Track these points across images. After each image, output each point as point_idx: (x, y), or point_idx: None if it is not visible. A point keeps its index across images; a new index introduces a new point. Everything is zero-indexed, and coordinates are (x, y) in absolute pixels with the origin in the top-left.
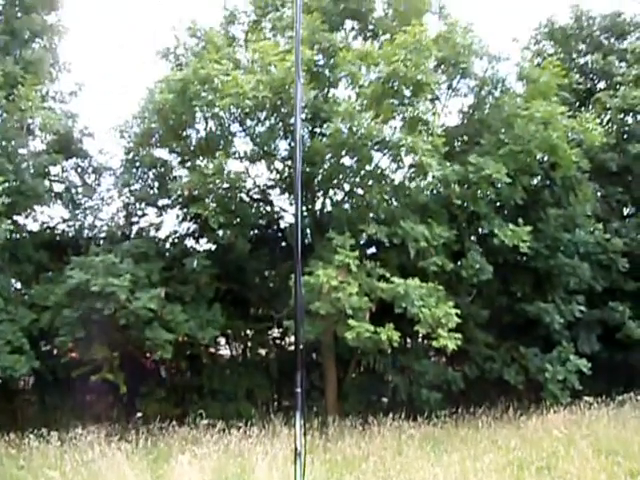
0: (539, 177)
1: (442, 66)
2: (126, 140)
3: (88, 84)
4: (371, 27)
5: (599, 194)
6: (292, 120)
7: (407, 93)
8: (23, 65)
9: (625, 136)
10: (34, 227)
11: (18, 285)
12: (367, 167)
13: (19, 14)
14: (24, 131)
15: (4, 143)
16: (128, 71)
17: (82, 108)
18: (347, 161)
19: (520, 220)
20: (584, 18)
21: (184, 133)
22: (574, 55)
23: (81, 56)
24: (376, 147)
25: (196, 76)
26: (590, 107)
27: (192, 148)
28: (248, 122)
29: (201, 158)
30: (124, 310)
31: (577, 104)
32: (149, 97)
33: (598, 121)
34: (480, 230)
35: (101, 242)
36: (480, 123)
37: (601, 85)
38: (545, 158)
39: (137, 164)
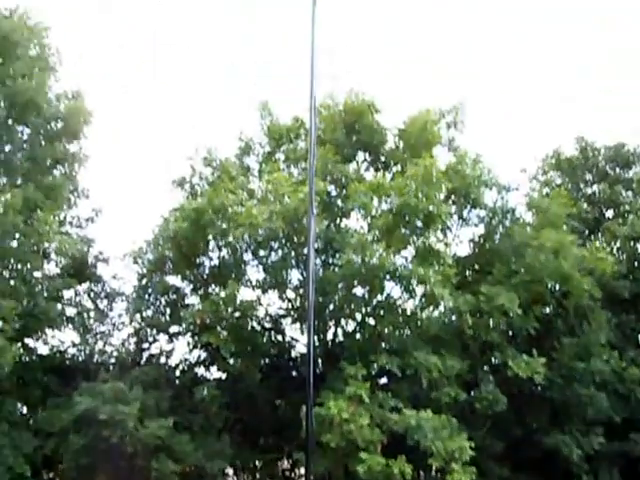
0: (552, 306)
1: (452, 197)
2: (140, 266)
3: (105, 209)
4: (383, 159)
5: (613, 322)
6: (305, 250)
7: (418, 224)
8: (43, 191)
9: (636, 264)
10: (44, 350)
11: (24, 410)
12: (379, 297)
13: (43, 142)
14: (40, 255)
15: (19, 266)
16: (144, 198)
17: (98, 233)
18: (359, 291)
19: (534, 350)
20: (589, 149)
21: (197, 261)
22: (581, 185)
23: (99, 182)
24: (388, 277)
25: (211, 205)
26: (600, 235)
27: (205, 276)
28: (261, 251)
29: (213, 286)
30: (131, 439)
31: (587, 233)
32: (164, 224)
33: (608, 249)
34: (493, 360)
35: (111, 368)
36: (491, 252)
37: (609, 214)
38: (557, 287)
39: (150, 290)
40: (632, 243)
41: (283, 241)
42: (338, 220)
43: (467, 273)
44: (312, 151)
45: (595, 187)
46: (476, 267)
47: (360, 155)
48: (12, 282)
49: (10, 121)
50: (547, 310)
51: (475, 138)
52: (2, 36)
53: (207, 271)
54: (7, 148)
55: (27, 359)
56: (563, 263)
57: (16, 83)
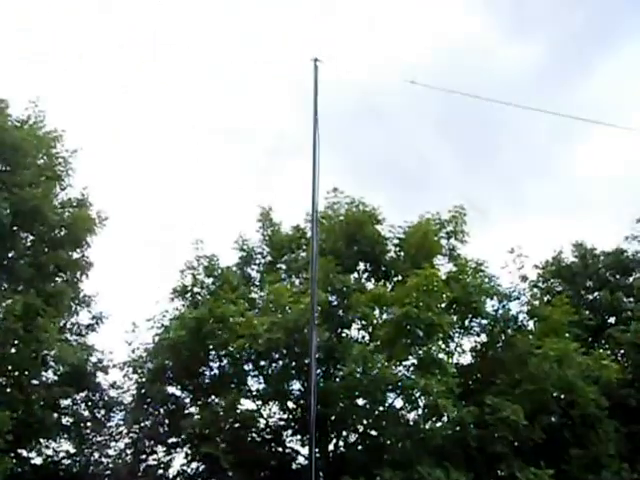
0: (557, 415)
1: (454, 306)
2: (139, 375)
3: (104, 316)
4: (383, 268)
5: (622, 432)
6: (306, 360)
7: (420, 334)
8: (45, 298)
9: None
10: (38, 460)
11: None
12: (381, 408)
13: (46, 249)
14: (39, 362)
15: (17, 373)
16: (145, 306)
17: (97, 340)
18: (361, 402)
19: (541, 461)
20: (588, 256)
21: (198, 370)
22: (582, 291)
23: (101, 289)
24: (390, 388)
25: (211, 315)
26: (603, 342)
27: (205, 386)
28: (262, 362)
29: (213, 396)
30: None
31: (590, 340)
32: (164, 333)
33: (612, 357)
34: (499, 472)
35: None
36: (494, 362)
37: (612, 320)
38: (562, 396)
39: (148, 400)
40: (636, 350)
41: (284, 351)
42: (339, 330)
43: (470, 383)
44: (313, 265)
45: (596, 294)
46: (479, 376)
47: (361, 265)
48: (8, 390)
49: (14, 228)
50: (553, 420)
51: (475, 247)
52: (12, 146)
53: (207, 381)
54: (10, 254)
55: (20, 469)
56: (567, 372)
57: (22, 191)
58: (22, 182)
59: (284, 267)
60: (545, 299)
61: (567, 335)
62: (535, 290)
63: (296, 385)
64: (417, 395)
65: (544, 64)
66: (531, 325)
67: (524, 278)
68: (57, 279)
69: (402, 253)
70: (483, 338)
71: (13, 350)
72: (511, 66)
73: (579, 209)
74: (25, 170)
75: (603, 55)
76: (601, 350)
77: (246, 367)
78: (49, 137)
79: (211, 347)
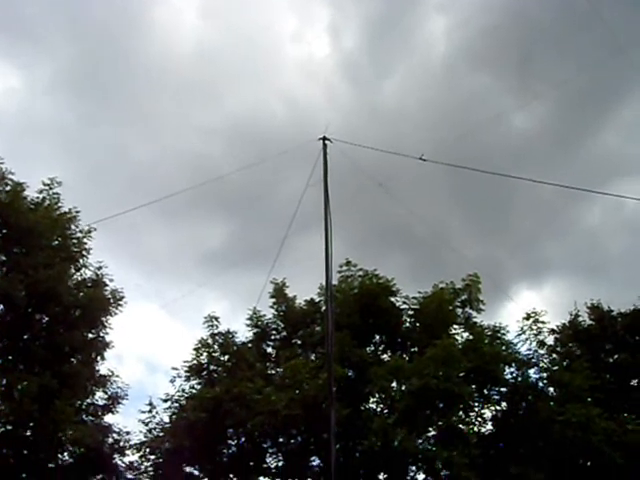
0: None
1: (472, 375)
2: (156, 455)
3: (120, 396)
4: (399, 339)
5: None
6: (325, 436)
7: (440, 404)
8: (60, 379)
9: None
10: None
11: None
12: None
13: (61, 330)
14: (54, 444)
15: (32, 457)
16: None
17: (114, 419)
18: (382, 477)
19: None
20: (605, 318)
21: (215, 449)
22: (601, 354)
23: (117, 367)
24: (411, 460)
25: (228, 394)
26: (627, 406)
27: (223, 465)
28: (280, 438)
29: (231, 475)
30: None
31: (612, 404)
32: (180, 413)
33: (637, 420)
34: None
35: None
36: (516, 430)
37: (634, 382)
38: (589, 462)
39: None
40: None
41: (302, 427)
42: (358, 404)
43: (492, 452)
44: (330, 339)
45: (616, 356)
46: (501, 445)
47: (377, 337)
48: (24, 475)
49: (30, 309)
50: None
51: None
52: (27, 228)
53: (225, 459)
54: (26, 336)
55: None
56: (592, 437)
57: (37, 273)
58: (37, 263)
59: (299, 342)
60: (564, 364)
61: (589, 399)
62: (554, 355)
63: (315, 461)
64: (439, 467)
65: (552, 122)
66: (551, 391)
67: (542, 343)
68: (73, 360)
69: (418, 324)
70: (503, 406)
71: (29, 432)
72: (519, 125)
73: (594, 269)
74: (40, 251)
75: (613, 110)
76: (625, 414)
77: (264, 444)
78: (64, 218)
79: (229, 425)
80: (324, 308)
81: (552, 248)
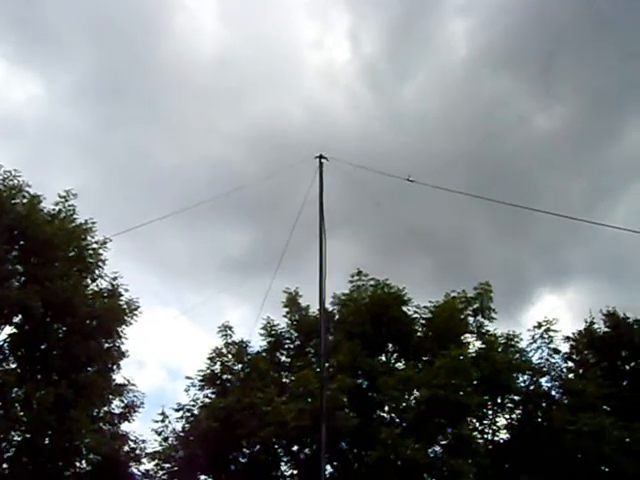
0: None
1: (484, 383)
2: (170, 464)
3: (136, 404)
4: (412, 349)
5: None
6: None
7: (450, 414)
8: (77, 388)
9: None
10: None
11: None
12: None
13: (78, 340)
14: (72, 452)
15: (49, 465)
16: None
17: (130, 427)
18: None
19: None
20: (621, 325)
21: (229, 457)
22: (617, 362)
23: (133, 375)
24: (420, 470)
25: (240, 404)
26: None
27: (236, 473)
28: (293, 447)
29: None
30: None
31: (629, 411)
32: (193, 423)
33: None
34: None
35: None
36: (528, 439)
37: None
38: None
39: None
40: None
41: (311, 438)
42: (369, 413)
43: (504, 461)
44: (323, 361)
45: (632, 363)
46: (513, 454)
47: (389, 346)
48: None
49: (47, 320)
50: None
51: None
52: (44, 240)
53: (239, 468)
54: (42, 346)
55: None
56: (605, 447)
57: (54, 284)
58: (53, 275)
59: (312, 351)
60: (580, 372)
61: (604, 407)
62: (569, 363)
63: (328, 469)
64: (449, 476)
65: (575, 123)
66: (565, 399)
67: (555, 351)
68: (89, 369)
69: (430, 333)
70: (517, 414)
71: (46, 441)
72: (542, 126)
73: (617, 273)
74: (56, 263)
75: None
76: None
77: (278, 453)
78: (79, 230)
79: (241, 435)
80: (337, 317)
81: (575, 252)
